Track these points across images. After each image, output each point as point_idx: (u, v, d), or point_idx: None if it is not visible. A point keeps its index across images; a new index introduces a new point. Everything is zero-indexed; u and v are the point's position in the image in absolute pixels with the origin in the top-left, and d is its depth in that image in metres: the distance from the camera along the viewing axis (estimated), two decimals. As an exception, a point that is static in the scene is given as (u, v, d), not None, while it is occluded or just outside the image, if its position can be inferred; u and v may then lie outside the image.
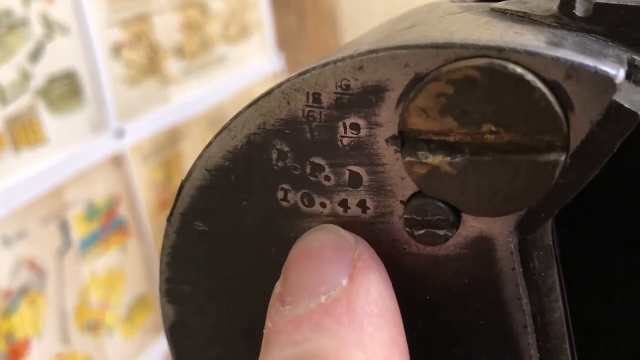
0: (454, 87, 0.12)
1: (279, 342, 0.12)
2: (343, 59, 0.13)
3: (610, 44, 0.12)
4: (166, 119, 0.89)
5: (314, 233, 0.14)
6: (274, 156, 0.14)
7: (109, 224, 0.83)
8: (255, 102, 0.14)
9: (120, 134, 0.83)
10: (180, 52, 0.96)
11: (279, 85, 0.13)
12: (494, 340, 0.14)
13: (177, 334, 0.17)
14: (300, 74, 0.13)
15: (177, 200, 0.15)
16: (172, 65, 0.94)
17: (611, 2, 0.12)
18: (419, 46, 0.12)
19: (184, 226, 0.15)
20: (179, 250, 0.16)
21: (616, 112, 0.11)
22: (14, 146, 0.69)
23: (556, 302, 0.14)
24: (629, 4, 0.12)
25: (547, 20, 0.13)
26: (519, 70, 0.11)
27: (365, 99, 0.13)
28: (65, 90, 0.77)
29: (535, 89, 0.11)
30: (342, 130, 0.13)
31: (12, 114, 0.69)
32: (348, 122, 0.13)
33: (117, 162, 0.84)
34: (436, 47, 0.12)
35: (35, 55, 0.72)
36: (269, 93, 0.13)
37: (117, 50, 0.85)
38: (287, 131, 0.13)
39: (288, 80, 0.13)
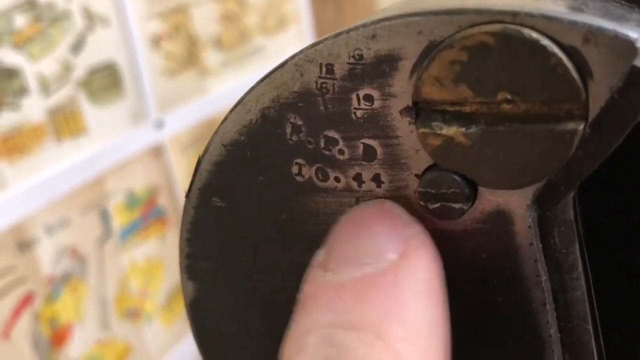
0: (467, 53, 0.11)
1: (318, 306, 0.12)
2: (355, 28, 0.12)
3: (636, 9, 0.12)
4: (204, 109, 0.90)
5: (367, 204, 0.13)
6: (288, 130, 0.14)
7: (148, 213, 0.84)
8: (268, 75, 0.14)
9: (159, 124, 0.84)
10: (218, 43, 0.97)
11: (292, 57, 0.13)
12: (512, 318, 0.13)
13: (196, 310, 0.17)
14: (313, 45, 0.13)
15: (194, 175, 0.15)
16: (210, 57, 0.95)
17: None
18: (432, 13, 0.12)
19: (201, 202, 0.15)
20: (198, 226, 0.16)
21: (637, 78, 0.11)
22: (55, 136, 0.71)
23: (578, 280, 0.13)
24: None
25: None
26: (534, 35, 0.11)
27: (379, 69, 0.12)
28: (106, 81, 0.78)
29: (552, 55, 0.11)
30: (355, 102, 0.13)
31: (54, 105, 0.71)
32: (361, 93, 0.13)
33: (157, 152, 0.85)
34: (449, 13, 0.11)
35: (77, 47, 0.74)
36: (282, 65, 0.13)
37: (156, 41, 0.86)
38: (300, 104, 0.13)
39: (301, 51, 0.13)
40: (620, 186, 0.16)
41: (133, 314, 0.82)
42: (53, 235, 0.71)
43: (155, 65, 0.85)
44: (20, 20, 0.67)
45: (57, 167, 0.71)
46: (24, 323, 0.67)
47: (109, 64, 0.78)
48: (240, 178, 0.15)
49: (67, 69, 0.73)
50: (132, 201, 0.82)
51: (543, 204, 0.12)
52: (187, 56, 0.91)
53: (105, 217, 0.78)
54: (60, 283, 0.72)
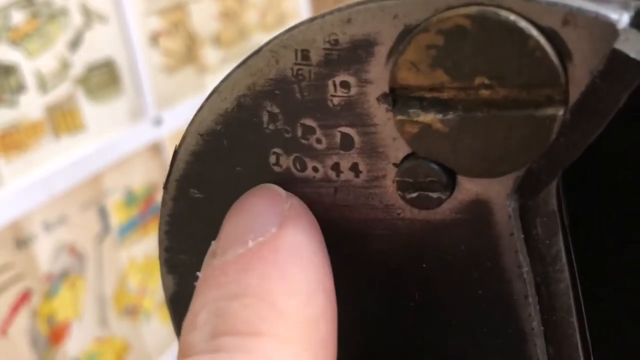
0: (444, 37, 0.11)
1: (206, 287, 0.12)
2: (331, 12, 0.12)
3: None
4: (203, 107, 0.90)
5: (249, 191, 0.14)
6: (265, 118, 0.13)
7: (147, 210, 0.84)
8: (243, 62, 0.13)
9: (157, 121, 0.84)
10: (217, 40, 0.97)
11: (267, 43, 0.13)
12: (493, 311, 0.13)
13: (177, 305, 0.16)
14: (289, 30, 0.13)
15: (172, 166, 0.15)
16: (209, 54, 0.95)
17: None
18: None
19: (179, 193, 0.15)
20: (176, 218, 0.15)
21: (619, 62, 0.10)
22: (53, 133, 0.71)
23: (561, 271, 0.13)
24: None
25: None
26: (512, 17, 0.11)
27: (355, 54, 0.12)
28: (104, 78, 0.78)
29: (529, 37, 0.10)
30: (331, 88, 0.12)
31: (52, 102, 0.70)
32: (338, 79, 0.12)
33: (155, 149, 0.85)
34: None
35: (75, 44, 0.74)
36: (257, 52, 0.13)
37: (154, 38, 0.85)
38: (276, 91, 0.13)
39: (276, 37, 0.13)
40: (610, 173, 0.16)
41: (131, 312, 0.82)
42: (51, 232, 0.71)
43: (153, 62, 0.85)
44: (18, 17, 0.67)
45: (55, 164, 0.70)
46: (22, 320, 0.67)
47: (107, 60, 0.78)
48: (218, 168, 0.14)
49: (64, 65, 0.72)
50: (130, 198, 0.82)
51: (524, 193, 0.12)
52: (185, 53, 0.91)
53: (103, 214, 0.78)
54: (58, 280, 0.72)
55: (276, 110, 0.13)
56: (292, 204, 0.13)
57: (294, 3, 1.13)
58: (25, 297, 0.68)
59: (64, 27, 0.73)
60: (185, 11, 0.91)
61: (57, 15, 0.72)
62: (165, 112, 0.85)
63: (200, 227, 0.15)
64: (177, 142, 0.15)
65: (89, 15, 0.76)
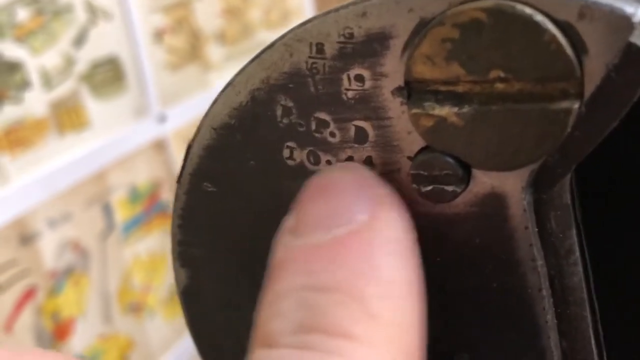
0: (459, 30, 0.11)
1: (290, 271, 0.12)
2: (346, 6, 0.12)
3: None
4: (207, 104, 0.89)
5: (335, 167, 0.13)
6: (279, 112, 0.13)
7: (151, 207, 0.84)
8: (258, 56, 0.13)
9: (162, 118, 0.84)
10: (221, 37, 0.97)
11: (281, 37, 0.13)
12: (507, 304, 0.13)
13: (189, 298, 0.17)
14: (303, 24, 0.13)
15: (185, 160, 0.15)
16: (213, 51, 0.95)
17: None
18: None
19: (192, 187, 0.15)
20: (189, 212, 0.15)
21: (634, 55, 0.10)
22: (58, 130, 0.71)
23: (575, 265, 0.13)
24: None
25: None
26: (528, 10, 0.11)
27: (370, 48, 0.12)
28: (108, 75, 0.78)
29: (545, 30, 0.11)
30: (346, 82, 0.13)
31: (56, 99, 0.71)
32: (352, 73, 0.12)
33: (159, 146, 0.85)
34: None
35: (79, 41, 0.74)
36: (271, 45, 0.13)
37: (158, 35, 0.85)
38: (290, 85, 0.13)
39: (290, 31, 0.13)
40: (620, 170, 0.16)
41: (135, 309, 0.82)
42: (55, 229, 0.71)
43: (158, 60, 0.85)
44: (23, 14, 0.67)
45: (60, 161, 0.71)
46: (27, 317, 0.67)
47: (111, 57, 0.78)
48: (231, 162, 0.14)
49: (69, 62, 0.72)
50: (134, 195, 0.82)
51: (539, 186, 0.12)
52: (190, 50, 0.91)
53: (107, 211, 0.78)
54: (62, 277, 0.72)
55: (290, 104, 0.13)
56: (384, 191, 0.12)
57: (298, 0, 1.13)
58: (30, 293, 0.68)
59: (68, 24, 0.73)
60: (190, 8, 0.91)
61: (62, 12, 0.72)
62: (169, 109, 0.85)
63: (213, 221, 0.15)
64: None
65: (94, 12, 0.76)
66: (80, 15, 0.74)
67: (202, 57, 0.93)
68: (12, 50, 0.66)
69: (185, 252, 0.16)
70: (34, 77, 0.69)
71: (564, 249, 0.13)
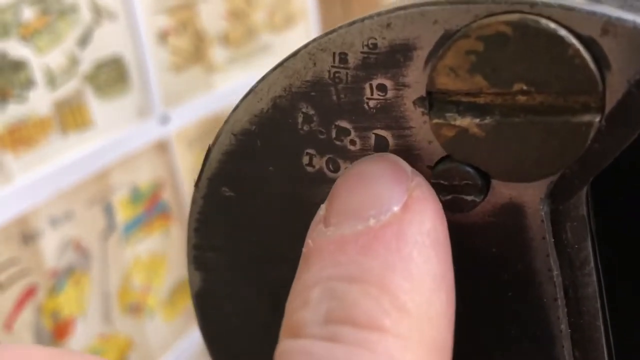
0: (484, 43, 0.11)
1: (321, 261, 0.12)
2: (370, 17, 0.12)
3: None
4: (210, 105, 0.90)
5: (368, 158, 0.13)
6: (300, 119, 0.14)
7: (152, 208, 0.85)
8: (281, 64, 0.13)
9: (165, 119, 0.84)
10: (225, 39, 0.97)
11: (305, 46, 0.13)
12: (522, 312, 0.13)
13: (203, 301, 0.17)
14: (327, 34, 0.13)
15: (204, 164, 0.15)
16: (217, 53, 0.95)
17: None
18: (448, 2, 0.12)
19: (211, 191, 0.15)
20: (206, 216, 0.16)
21: None
22: (61, 129, 0.71)
23: (589, 276, 0.13)
24: None
25: None
26: (552, 25, 0.11)
27: (393, 58, 0.12)
28: (112, 76, 0.78)
29: (569, 45, 0.11)
30: (368, 91, 0.13)
31: (60, 98, 0.71)
32: (375, 82, 0.13)
33: (162, 147, 0.85)
34: (466, 2, 0.11)
35: (84, 41, 0.74)
36: (294, 54, 0.13)
37: (163, 36, 0.86)
38: (312, 93, 0.13)
39: (314, 40, 0.13)
40: (632, 182, 0.16)
41: (135, 309, 0.82)
42: (57, 228, 0.71)
43: (161, 60, 0.85)
44: (28, 13, 0.67)
45: (63, 160, 0.71)
46: (27, 315, 0.67)
47: (115, 58, 0.78)
48: (250, 168, 0.15)
49: (73, 62, 0.73)
50: (136, 196, 0.82)
51: (556, 198, 0.12)
52: (193, 52, 0.91)
53: (109, 211, 0.78)
54: (63, 276, 0.72)
55: (312, 111, 0.13)
56: (418, 182, 0.12)
57: (302, 3, 1.13)
58: (30, 292, 0.68)
59: (73, 24, 0.73)
60: (194, 10, 0.91)
61: (67, 12, 0.72)
62: (172, 110, 0.85)
63: (230, 225, 0.15)
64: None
65: (99, 13, 0.76)
66: (85, 15, 0.74)
67: (205, 58, 0.93)
68: (17, 50, 0.66)
69: (201, 256, 0.16)
70: (39, 76, 0.69)
71: (579, 259, 0.13)
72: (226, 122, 0.15)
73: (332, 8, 1.17)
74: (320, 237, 0.12)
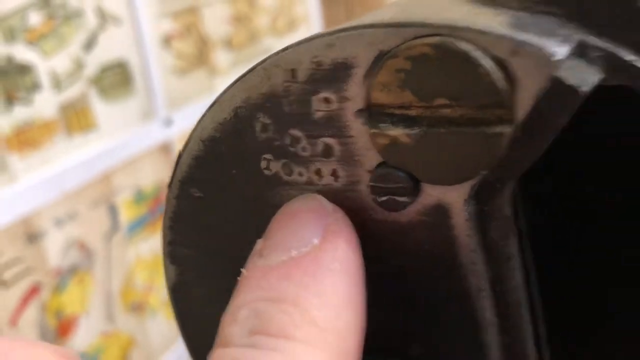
0: (411, 63, 0.13)
1: (249, 286, 0.14)
2: (317, 37, 0.14)
3: (568, 24, 0.13)
4: (212, 108, 0.91)
5: (299, 198, 0.15)
6: (258, 128, 0.15)
7: (155, 208, 0.86)
8: (240, 78, 0.15)
9: (168, 122, 0.85)
10: (229, 43, 0.99)
11: (262, 62, 0.15)
12: (452, 303, 0.15)
13: (178, 294, 0.18)
14: (280, 51, 0.14)
15: (175, 167, 0.17)
16: (220, 57, 0.97)
17: None
18: (382, 25, 0.13)
19: (182, 192, 0.17)
20: (179, 215, 0.17)
21: (556, 86, 0.12)
22: (66, 131, 0.72)
23: (514, 270, 0.14)
24: None
25: (512, 4, 0.14)
26: (467, 46, 0.12)
27: (335, 75, 0.14)
28: (116, 79, 0.79)
29: (479, 65, 0.12)
30: (315, 104, 0.14)
31: (65, 101, 0.72)
32: (321, 96, 0.14)
33: (165, 149, 0.86)
34: (397, 25, 0.13)
35: (89, 45, 0.76)
36: (252, 69, 0.15)
37: (167, 40, 0.87)
38: (267, 104, 0.15)
39: (269, 57, 0.14)
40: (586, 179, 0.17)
41: (137, 308, 0.83)
42: (61, 228, 0.73)
43: (165, 64, 0.87)
44: (34, 18, 0.69)
45: (67, 162, 0.72)
46: (31, 313, 0.69)
47: (120, 62, 0.80)
48: (216, 171, 0.16)
49: (78, 66, 0.74)
50: (139, 197, 0.84)
51: (480, 199, 0.14)
52: (197, 56, 0.93)
53: (113, 211, 0.79)
54: (67, 275, 0.73)
55: (268, 120, 0.15)
56: (336, 218, 0.14)
57: (304, 8, 1.14)
58: (34, 290, 0.69)
59: (78, 28, 0.75)
60: (198, 14, 0.93)
61: (73, 16, 0.74)
62: (175, 113, 0.87)
63: (201, 224, 0.17)
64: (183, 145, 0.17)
65: (104, 17, 0.77)
66: (91, 20, 0.76)
67: (209, 62, 0.95)
68: (24, 53, 0.68)
69: (175, 251, 0.18)
70: (44, 80, 0.70)
71: (504, 255, 0.14)
72: (194, 129, 0.16)
73: (335, 12, 1.18)
74: (253, 266, 0.14)
